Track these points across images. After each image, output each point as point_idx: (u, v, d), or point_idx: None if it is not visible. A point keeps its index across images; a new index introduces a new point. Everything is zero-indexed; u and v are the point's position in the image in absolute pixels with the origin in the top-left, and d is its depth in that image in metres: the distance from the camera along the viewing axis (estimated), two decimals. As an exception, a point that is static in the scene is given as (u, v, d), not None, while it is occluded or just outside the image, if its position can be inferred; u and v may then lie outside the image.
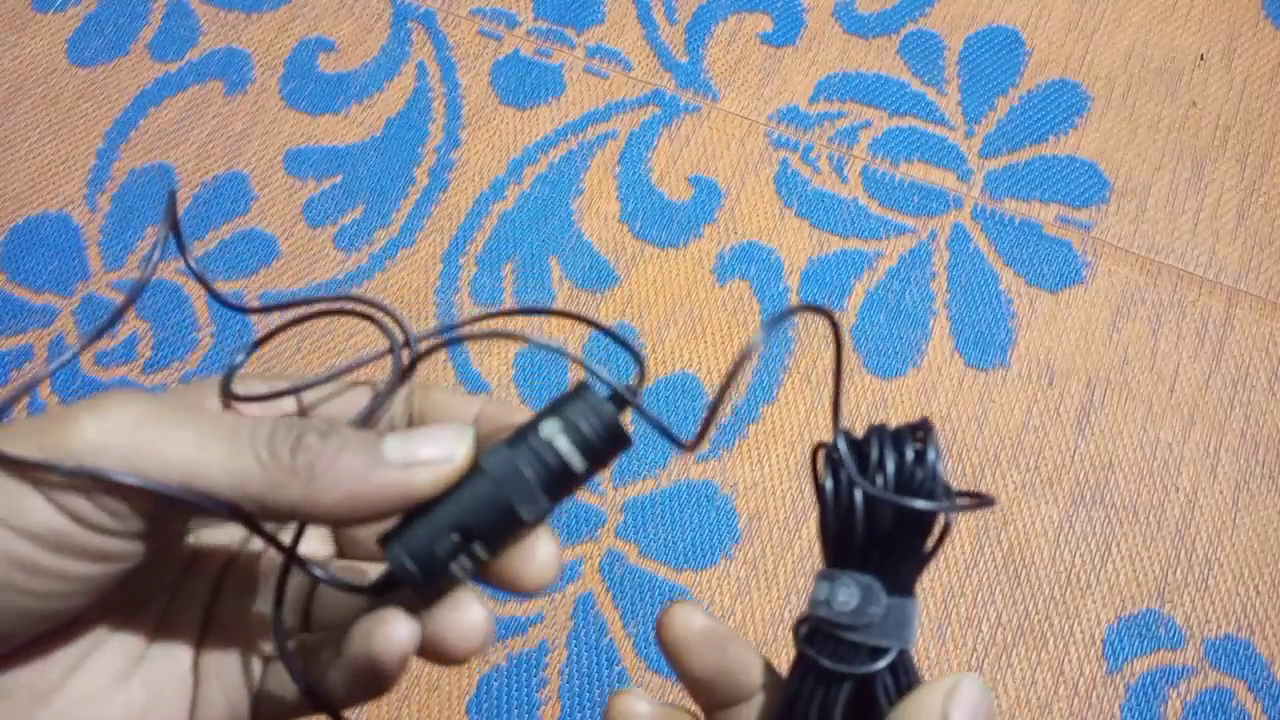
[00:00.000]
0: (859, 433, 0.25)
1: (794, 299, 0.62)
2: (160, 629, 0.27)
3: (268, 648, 0.27)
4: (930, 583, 0.54)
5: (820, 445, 0.25)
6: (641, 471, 0.57)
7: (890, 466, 0.24)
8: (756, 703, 0.27)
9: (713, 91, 0.69)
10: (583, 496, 0.57)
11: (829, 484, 0.24)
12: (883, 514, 0.24)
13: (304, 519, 0.23)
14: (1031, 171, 0.65)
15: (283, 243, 0.65)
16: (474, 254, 0.64)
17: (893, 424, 0.25)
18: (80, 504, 0.21)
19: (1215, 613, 0.53)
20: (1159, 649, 0.53)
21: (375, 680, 0.24)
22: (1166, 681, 0.52)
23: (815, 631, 0.25)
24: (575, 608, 0.55)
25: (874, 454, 0.24)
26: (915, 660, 0.25)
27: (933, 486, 0.24)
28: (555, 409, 0.25)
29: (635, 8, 0.72)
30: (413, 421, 0.28)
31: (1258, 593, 0.54)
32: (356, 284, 0.64)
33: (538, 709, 0.52)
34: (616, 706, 0.27)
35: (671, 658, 0.27)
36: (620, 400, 0.25)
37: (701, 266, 0.63)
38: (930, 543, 0.24)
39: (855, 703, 0.24)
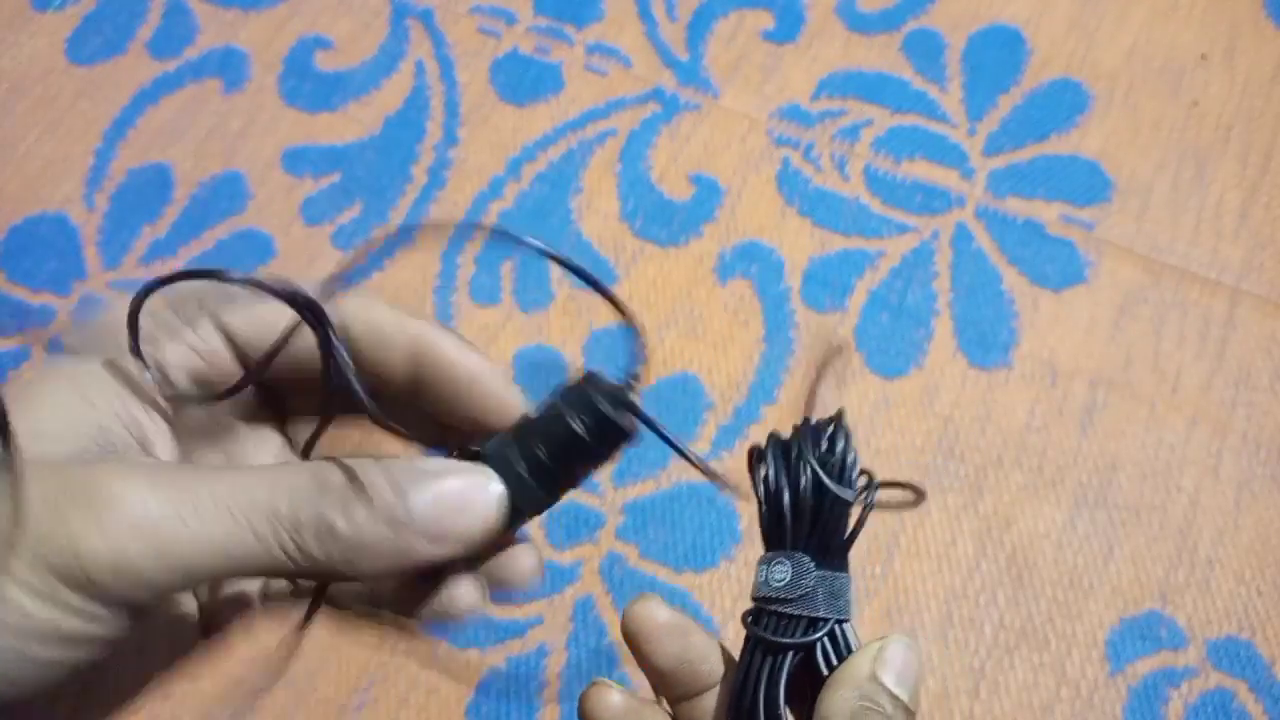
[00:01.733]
0: (810, 431, 0.29)
1: (796, 298, 0.61)
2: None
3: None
4: (932, 585, 0.54)
5: (754, 448, 0.29)
6: (642, 472, 0.57)
7: (809, 455, 0.27)
8: (718, 692, 0.29)
9: (713, 89, 0.69)
10: (582, 498, 0.57)
11: (759, 479, 0.28)
12: (805, 497, 0.27)
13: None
14: (1034, 170, 0.65)
15: (280, 242, 0.65)
16: (472, 253, 0.64)
17: (848, 421, 0.29)
18: (55, 615, 0.21)
19: (1217, 613, 0.53)
20: (1161, 650, 0.52)
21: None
22: (1168, 683, 0.52)
23: (760, 612, 0.28)
24: (574, 610, 0.54)
25: (794, 448, 0.28)
26: (856, 633, 0.28)
27: (844, 469, 0.27)
28: (559, 401, 0.24)
29: (635, 4, 0.72)
30: (351, 346, 0.25)
31: (1260, 593, 0.53)
32: (354, 283, 0.64)
33: (536, 712, 0.52)
34: (590, 697, 0.28)
35: (636, 650, 0.29)
36: (621, 400, 0.24)
37: (702, 265, 0.63)
38: (852, 522, 0.28)
39: (800, 674, 0.27)
